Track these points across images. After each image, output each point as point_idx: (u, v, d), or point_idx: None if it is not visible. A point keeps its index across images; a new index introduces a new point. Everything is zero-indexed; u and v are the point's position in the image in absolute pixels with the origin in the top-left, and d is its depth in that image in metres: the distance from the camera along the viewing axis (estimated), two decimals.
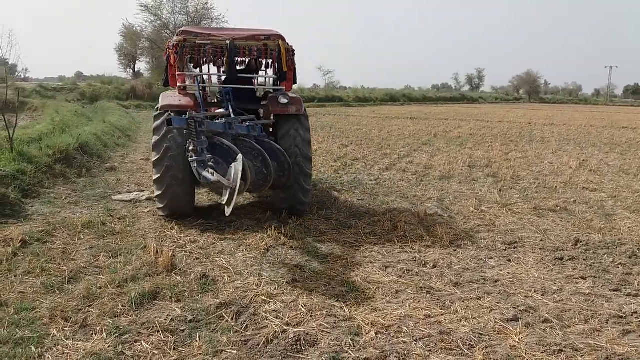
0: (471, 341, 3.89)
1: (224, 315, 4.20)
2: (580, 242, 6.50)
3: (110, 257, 5.47)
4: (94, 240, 6.06)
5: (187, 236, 6.29)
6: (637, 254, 6.10)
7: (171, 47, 7.11)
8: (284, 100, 7.03)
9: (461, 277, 5.26)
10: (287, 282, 4.91)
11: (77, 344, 3.70)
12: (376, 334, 3.96)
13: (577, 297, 4.81)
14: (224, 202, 5.47)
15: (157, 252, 5.44)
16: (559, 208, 8.32)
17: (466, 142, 17.48)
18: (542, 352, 3.77)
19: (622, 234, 6.95)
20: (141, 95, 37.09)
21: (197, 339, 3.83)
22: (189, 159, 5.81)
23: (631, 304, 4.66)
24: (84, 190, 8.86)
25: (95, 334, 3.85)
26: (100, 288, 4.64)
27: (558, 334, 4.07)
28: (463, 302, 4.63)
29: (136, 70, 51.54)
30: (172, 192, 6.64)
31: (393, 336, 3.94)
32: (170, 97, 6.92)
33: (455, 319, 4.28)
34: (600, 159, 14.53)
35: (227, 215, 5.48)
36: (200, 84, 7.44)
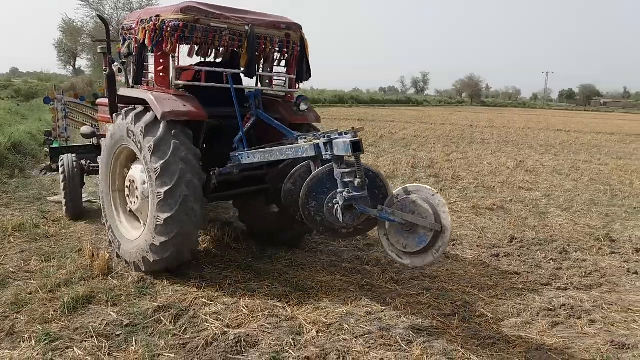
0: (410, 337, 3.97)
1: (162, 318, 4.10)
2: (515, 239, 6.78)
3: (42, 261, 5.22)
4: (26, 244, 5.77)
5: None
6: (567, 249, 6.43)
7: (169, 29, 4.77)
8: (304, 107, 5.69)
9: (402, 274, 5.36)
10: (229, 284, 4.85)
11: (3, 353, 3.51)
12: (317, 332, 3.97)
13: (511, 291, 5.01)
14: (402, 257, 3.89)
15: (93, 255, 5.24)
16: (496, 207, 8.64)
17: (410, 144, 17.86)
18: (477, 346, 3.90)
19: (554, 231, 7.30)
20: (82, 93, 35.68)
21: (133, 343, 3.71)
22: (343, 195, 3.90)
23: (560, 297, 4.89)
24: (17, 191, 8.41)
25: (23, 342, 3.66)
26: (31, 293, 4.42)
27: (492, 328, 4.22)
28: (403, 298, 4.73)
29: (77, 67, 49.55)
30: (182, 238, 4.66)
31: (334, 334, 3.97)
32: (168, 101, 4.73)
33: (395, 315, 4.37)
34: (536, 159, 15.21)
35: (410, 265, 4.05)
36: (232, 84, 5.25)
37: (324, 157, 4.12)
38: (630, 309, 4.69)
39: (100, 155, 5.62)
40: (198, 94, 5.04)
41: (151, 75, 5.24)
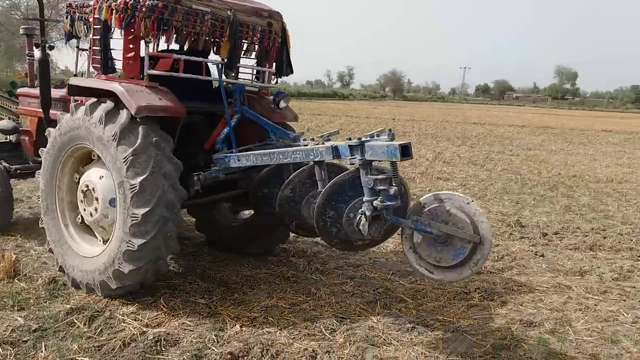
0: (333, 325, 4.03)
1: (75, 321, 3.88)
2: None
3: None
4: None
5: (33, 239, 5.70)
6: None
7: (145, 10, 4.06)
8: (284, 105, 5.20)
9: (326, 264, 5.43)
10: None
11: None
12: (241, 327, 3.92)
13: None
14: (433, 272, 3.56)
15: None
16: (415, 197, 8.94)
17: (336, 138, 18.09)
18: (397, 331, 4.02)
19: None
20: None
21: (43, 349, 3.49)
22: (374, 204, 3.48)
23: (475, 280, 5.15)
24: None
25: None
26: None
27: (412, 312, 4.37)
28: (327, 288, 4.78)
29: None
30: (154, 264, 4.12)
31: (258, 328, 3.94)
32: (141, 94, 4.04)
33: (319, 305, 4.41)
34: (453, 151, 15.93)
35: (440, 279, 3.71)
36: (220, 75, 4.75)
37: (349, 161, 3.66)
38: (537, 289, 5.02)
39: (20, 153, 5.04)
40: (173, 87, 4.34)
41: (114, 63, 4.67)
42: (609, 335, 4.09)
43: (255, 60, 5.19)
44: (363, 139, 3.59)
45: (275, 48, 5.15)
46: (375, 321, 4.15)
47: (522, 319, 4.30)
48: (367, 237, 3.60)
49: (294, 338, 3.81)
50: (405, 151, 3.38)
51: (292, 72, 5.33)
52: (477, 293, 4.84)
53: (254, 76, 5.29)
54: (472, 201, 3.39)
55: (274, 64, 5.25)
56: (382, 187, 3.43)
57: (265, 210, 4.61)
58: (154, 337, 3.64)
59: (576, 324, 4.29)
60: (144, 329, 3.78)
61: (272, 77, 5.32)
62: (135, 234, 3.89)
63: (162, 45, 4.98)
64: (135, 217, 3.86)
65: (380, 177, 3.46)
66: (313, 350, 3.63)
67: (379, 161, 3.62)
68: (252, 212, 5.44)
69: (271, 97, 5.30)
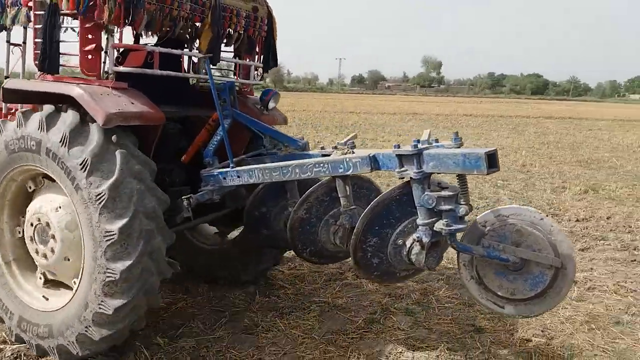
0: (212, 320, 4.02)
1: None
2: None
3: None
4: None
5: None
6: None
7: None
8: (273, 105, 4.42)
9: None
10: None
11: None
12: None
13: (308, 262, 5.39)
14: (506, 307, 2.82)
15: None
16: None
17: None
18: (276, 317, 4.12)
19: None
20: None
21: None
22: (437, 228, 2.72)
23: (348, 261, 5.37)
24: None
25: None
26: None
27: (290, 297, 4.51)
28: (205, 284, 4.75)
29: None
30: (146, 295, 3.19)
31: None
32: (109, 98, 3.12)
33: (197, 302, 4.37)
34: (331, 140, 16.44)
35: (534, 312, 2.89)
36: (210, 71, 3.71)
37: (398, 174, 2.86)
38: None
39: None
40: (143, 89, 3.43)
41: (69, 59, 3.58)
42: (466, 300, 4.55)
43: (237, 53, 4.35)
44: (420, 146, 2.77)
45: (261, 37, 4.40)
46: (255, 311, 4.21)
47: (390, 293, 4.63)
48: (421, 267, 2.89)
49: (173, 338, 3.74)
50: (492, 161, 2.55)
51: (276, 65, 4.61)
52: (350, 272, 5.10)
53: (238, 71, 4.47)
54: (547, 216, 2.77)
55: (261, 56, 4.47)
56: (447, 207, 2.67)
57: (264, 233, 3.92)
58: None
59: (438, 292, 4.72)
60: None
61: (258, 72, 4.51)
62: (114, 257, 2.96)
63: (127, 36, 3.90)
64: (110, 235, 2.94)
65: (445, 194, 2.69)
66: (191, 347, 3.61)
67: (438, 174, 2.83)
68: (237, 234, 4.70)
69: (255, 97, 4.51)
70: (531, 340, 3.89)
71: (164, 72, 3.50)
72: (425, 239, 2.75)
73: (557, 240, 2.65)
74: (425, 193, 2.71)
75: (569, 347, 3.79)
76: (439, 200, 2.67)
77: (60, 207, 3.29)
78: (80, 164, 2.96)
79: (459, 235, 2.77)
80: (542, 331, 4.02)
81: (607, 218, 7.73)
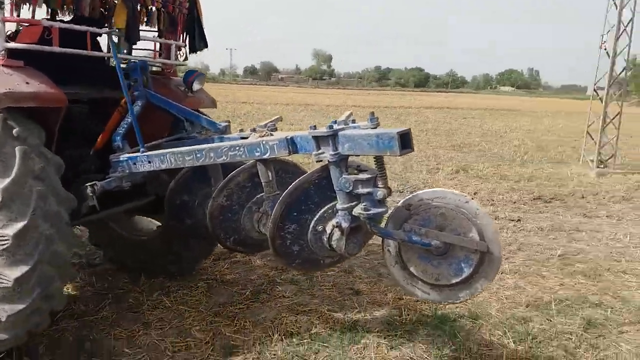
0: (94, 303, 3.96)
1: None
2: None
3: None
4: None
5: None
6: None
7: None
8: (198, 87, 4.13)
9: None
10: None
11: None
12: None
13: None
14: (430, 293, 2.71)
15: None
16: None
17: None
18: (162, 295, 4.16)
19: None
20: None
21: None
22: (356, 212, 2.59)
23: None
24: None
25: None
26: None
27: (176, 277, 4.55)
28: (87, 269, 4.63)
29: None
30: (46, 300, 2.94)
31: None
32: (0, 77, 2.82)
33: (80, 287, 4.26)
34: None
35: (458, 300, 2.74)
36: (115, 49, 3.38)
37: (315, 157, 2.68)
38: None
39: None
40: (43, 68, 3.09)
41: None
42: (346, 268, 4.89)
43: (159, 32, 4.08)
44: (336, 127, 2.66)
45: (182, 15, 4.13)
46: (140, 291, 4.21)
47: (277, 267, 4.85)
48: (342, 253, 2.76)
49: (54, 321, 3.64)
50: (406, 141, 2.46)
51: (206, 46, 4.34)
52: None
53: (157, 52, 4.19)
54: (472, 199, 2.65)
55: (182, 35, 4.20)
56: (365, 191, 2.56)
57: (187, 222, 3.69)
58: None
59: None
60: None
61: (180, 51, 4.24)
62: (9, 263, 2.72)
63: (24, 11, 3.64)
64: (4, 240, 2.69)
65: (362, 177, 2.58)
66: (74, 327, 3.55)
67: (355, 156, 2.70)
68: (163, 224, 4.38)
69: (179, 78, 4.28)
70: (402, 299, 4.31)
71: (64, 50, 3.15)
72: (344, 224, 2.62)
73: (482, 224, 2.54)
74: (343, 176, 2.59)
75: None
76: (356, 184, 2.56)
77: None
78: None
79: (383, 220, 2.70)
80: None
81: (475, 193, 8.61)
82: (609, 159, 12.13)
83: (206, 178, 3.53)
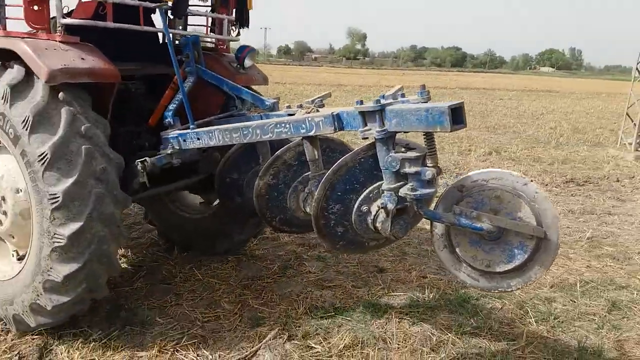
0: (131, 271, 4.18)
1: None
2: None
3: None
4: None
5: None
6: None
7: None
8: (249, 63, 4.05)
9: None
10: None
11: None
12: None
13: None
14: (480, 280, 2.57)
15: None
16: None
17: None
18: (192, 267, 4.35)
19: None
20: None
21: None
22: (402, 193, 2.48)
23: None
24: None
25: None
26: None
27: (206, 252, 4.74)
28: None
29: None
30: (99, 260, 2.97)
31: None
32: (56, 52, 2.90)
33: None
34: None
35: (513, 289, 2.55)
36: (166, 23, 3.44)
37: (361, 134, 2.58)
38: None
39: None
40: (98, 43, 3.16)
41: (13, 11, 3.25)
42: None
43: (212, 7, 4.04)
44: (383, 102, 2.52)
45: None
46: (173, 264, 4.42)
47: (304, 243, 4.99)
48: (388, 236, 2.65)
49: None
50: (458, 116, 2.26)
51: (248, 25, 4.21)
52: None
53: (208, 27, 4.17)
54: (531, 181, 2.46)
55: (234, 10, 4.07)
56: (412, 170, 2.43)
57: (237, 200, 3.72)
58: None
59: None
60: None
61: (233, 27, 4.13)
62: (59, 261, 2.84)
63: None
64: (58, 238, 2.79)
65: (410, 155, 2.44)
66: (109, 297, 3.77)
67: (404, 133, 2.53)
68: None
69: (231, 55, 4.17)
70: (426, 277, 4.39)
71: (117, 25, 3.17)
72: (390, 206, 2.50)
73: (540, 209, 2.35)
74: (389, 154, 2.47)
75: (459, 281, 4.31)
76: (403, 163, 2.43)
77: (8, 168, 3.12)
78: (23, 122, 2.79)
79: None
80: (437, 269, 4.53)
81: None
82: None
83: (255, 156, 3.55)
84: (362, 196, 2.63)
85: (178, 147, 3.44)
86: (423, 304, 3.88)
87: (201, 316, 3.61)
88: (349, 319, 3.65)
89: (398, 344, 3.37)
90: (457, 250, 2.54)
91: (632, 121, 12.18)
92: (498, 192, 2.42)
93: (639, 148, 11.58)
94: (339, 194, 2.62)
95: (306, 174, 3.06)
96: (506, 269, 2.43)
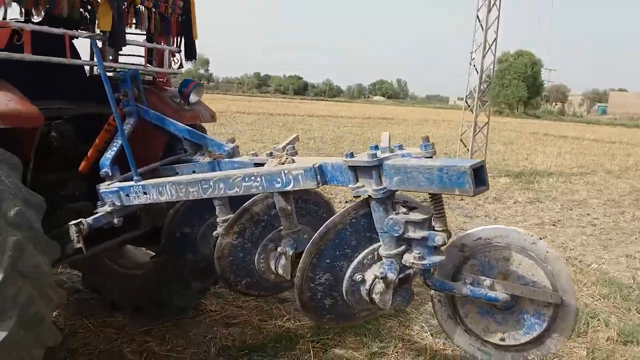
0: None
1: None
2: None
3: None
4: None
5: None
6: None
7: None
8: (195, 99, 3.50)
9: None
10: None
11: None
12: None
13: None
14: (494, 355, 2.20)
15: None
16: None
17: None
18: (79, 319, 3.94)
19: None
20: None
21: None
22: (408, 261, 2.07)
23: None
24: None
25: None
26: None
27: (90, 302, 4.33)
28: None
29: None
30: None
31: None
32: None
33: None
34: None
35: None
36: (99, 54, 2.78)
37: (353, 191, 2.15)
38: None
39: None
40: (14, 78, 2.58)
41: None
42: None
43: (150, 36, 3.54)
44: (380, 155, 2.09)
45: (175, 16, 3.58)
46: (55, 315, 3.95)
47: None
48: (387, 309, 2.22)
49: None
50: (480, 177, 1.89)
51: (195, 57, 3.78)
52: None
53: (146, 59, 3.58)
54: (540, 239, 2.16)
55: (178, 39, 3.67)
56: (419, 235, 2.06)
57: (189, 258, 3.18)
58: None
59: None
60: None
61: (175, 58, 3.68)
62: None
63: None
64: None
65: (415, 217, 2.07)
66: None
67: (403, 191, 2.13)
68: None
69: (173, 89, 3.71)
70: None
71: (36, 58, 2.67)
72: (391, 276, 2.12)
73: (554, 270, 2.09)
74: (390, 217, 2.09)
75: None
76: (407, 226, 2.07)
77: None
78: None
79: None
80: None
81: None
82: None
83: (210, 207, 2.86)
84: (354, 263, 2.23)
85: (120, 204, 2.90)
86: (330, 330, 4.01)
87: None
88: (263, 354, 3.62)
89: None
90: (466, 321, 2.23)
91: (465, 146, 13.96)
92: (506, 252, 2.13)
93: None
94: (328, 261, 2.21)
95: (277, 229, 2.65)
96: (522, 341, 2.14)
